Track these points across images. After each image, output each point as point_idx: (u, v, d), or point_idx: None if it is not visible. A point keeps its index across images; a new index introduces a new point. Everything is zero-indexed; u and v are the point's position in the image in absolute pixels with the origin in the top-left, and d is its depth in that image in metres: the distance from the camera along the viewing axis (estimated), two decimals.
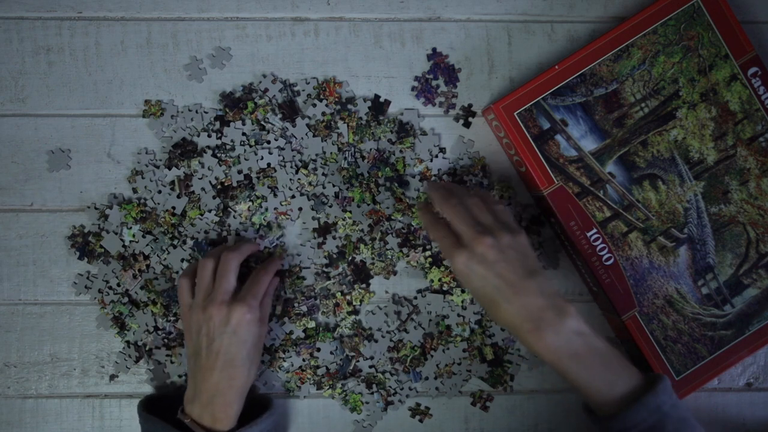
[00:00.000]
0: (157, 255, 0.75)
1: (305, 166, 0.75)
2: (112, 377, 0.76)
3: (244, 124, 0.75)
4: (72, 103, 0.76)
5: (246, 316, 0.67)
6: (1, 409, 0.76)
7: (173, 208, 0.75)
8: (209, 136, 0.75)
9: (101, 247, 0.75)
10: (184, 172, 0.75)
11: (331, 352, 0.75)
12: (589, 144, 0.73)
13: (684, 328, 0.73)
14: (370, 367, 0.76)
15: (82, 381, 0.76)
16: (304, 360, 0.76)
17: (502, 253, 0.63)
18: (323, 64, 0.77)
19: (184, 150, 0.75)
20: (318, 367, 0.76)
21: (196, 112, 0.76)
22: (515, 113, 0.72)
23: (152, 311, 0.75)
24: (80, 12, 0.76)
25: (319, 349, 0.76)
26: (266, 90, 0.76)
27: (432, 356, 0.76)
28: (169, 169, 0.75)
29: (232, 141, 0.75)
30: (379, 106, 0.76)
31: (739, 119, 0.73)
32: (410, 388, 0.76)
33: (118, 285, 0.75)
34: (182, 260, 0.75)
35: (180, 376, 0.76)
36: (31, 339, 0.76)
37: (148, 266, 0.75)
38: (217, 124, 0.75)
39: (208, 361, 0.67)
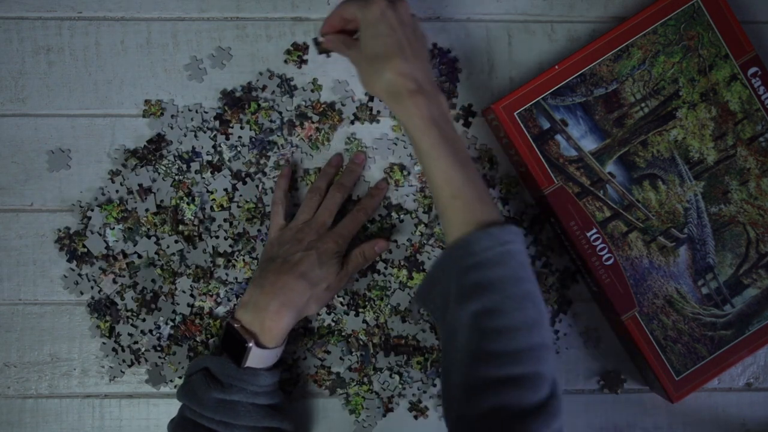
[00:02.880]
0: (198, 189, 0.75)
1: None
2: (112, 377, 0.76)
3: (242, 128, 0.75)
4: (72, 103, 0.76)
5: (330, 244, 0.70)
6: (1, 409, 0.76)
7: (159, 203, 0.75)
8: (211, 138, 0.75)
9: (84, 247, 0.75)
10: (149, 179, 0.75)
11: (341, 357, 0.76)
12: (589, 144, 0.73)
13: (684, 328, 0.73)
14: (389, 367, 0.76)
15: (82, 381, 0.76)
16: (321, 359, 0.76)
17: (409, 20, 0.66)
18: (323, 64, 0.77)
19: (158, 146, 0.75)
20: (329, 369, 0.76)
21: (196, 111, 0.76)
22: (515, 113, 0.72)
23: (134, 313, 0.75)
24: (80, 12, 0.76)
25: (329, 352, 0.76)
26: (265, 87, 0.76)
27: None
28: (142, 167, 0.75)
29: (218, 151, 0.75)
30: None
31: (739, 119, 0.73)
32: (432, 385, 0.76)
33: (100, 291, 0.75)
34: (225, 190, 0.75)
35: (180, 377, 0.76)
36: (31, 339, 0.76)
37: (129, 266, 0.75)
38: (217, 123, 0.75)
39: (281, 267, 0.68)
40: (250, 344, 0.66)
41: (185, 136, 0.76)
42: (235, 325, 0.67)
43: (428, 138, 0.62)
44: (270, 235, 0.73)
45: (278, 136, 0.76)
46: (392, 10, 0.65)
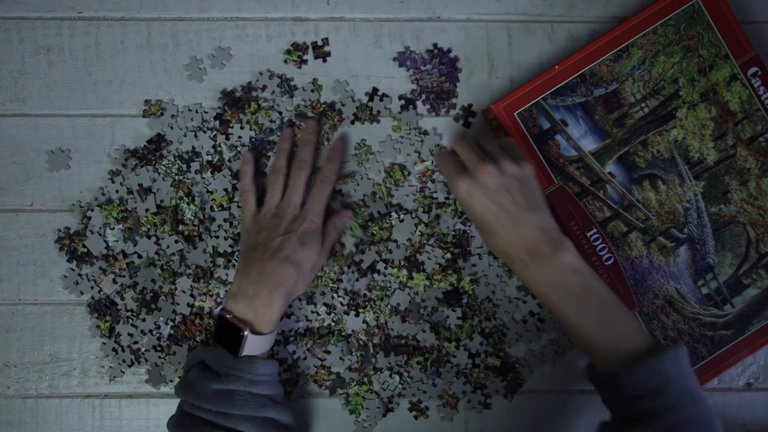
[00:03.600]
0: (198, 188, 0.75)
1: None
2: (112, 377, 0.76)
3: (242, 128, 0.75)
4: (72, 103, 0.76)
5: (309, 224, 0.70)
6: (1, 409, 0.76)
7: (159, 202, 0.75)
8: (211, 137, 0.75)
9: (84, 247, 0.75)
10: (149, 179, 0.75)
11: (341, 357, 0.76)
12: (589, 144, 0.73)
13: (684, 328, 0.73)
14: (389, 367, 0.76)
15: (82, 381, 0.76)
16: (321, 359, 0.76)
17: (505, 183, 0.65)
18: (323, 64, 0.77)
19: (158, 146, 0.75)
20: (330, 368, 0.76)
21: (196, 111, 0.76)
22: (515, 113, 0.72)
23: (134, 313, 0.75)
24: (80, 12, 0.76)
25: (329, 352, 0.76)
26: (264, 87, 0.76)
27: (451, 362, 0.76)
28: (142, 167, 0.75)
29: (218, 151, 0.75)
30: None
31: (739, 119, 0.73)
32: (432, 385, 0.76)
33: (100, 291, 0.75)
34: (225, 190, 0.75)
35: (180, 378, 0.76)
36: (31, 339, 0.76)
37: (129, 266, 0.75)
38: (217, 123, 0.75)
39: (264, 254, 0.68)
40: (246, 332, 0.66)
41: (185, 136, 0.76)
42: (228, 316, 0.67)
43: (548, 301, 0.64)
44: (245, 224, 0.73)
45: (277, 136, 0.76)
46: (479, 188, 0.65)
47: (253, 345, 0.67)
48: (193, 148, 0.75)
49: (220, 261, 0.75)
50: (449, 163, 0.69)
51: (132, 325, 0.75)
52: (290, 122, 0.76)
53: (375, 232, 0.76)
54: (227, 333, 0.67)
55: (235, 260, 0.75)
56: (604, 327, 0.63)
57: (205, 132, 0.76)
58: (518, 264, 0.65)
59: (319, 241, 0.71)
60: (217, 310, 0.75)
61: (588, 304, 0.63)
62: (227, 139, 0.76)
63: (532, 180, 0.66)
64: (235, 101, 0.76)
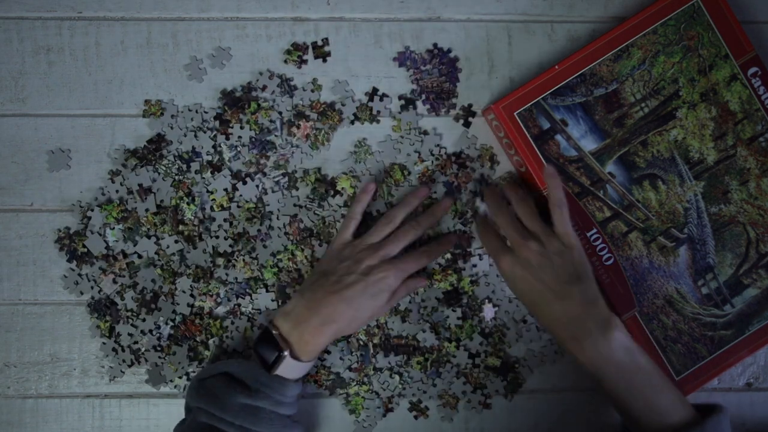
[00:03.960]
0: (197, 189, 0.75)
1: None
2: (112, 377, 0.76)
3: (242, 128, 0.75)
4: (72, 103, 0.76)
5: (389, 279, 0.68)
6: (1, 409, 0.76)
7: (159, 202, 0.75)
8: (211, 137, 0.75)
9: (84, 247, 0.75)
10: (149, 180, 0.75)
11: (341, 357, 0.76)
12: (589, 144, 0.73)
13: (684, 328, 0.73)
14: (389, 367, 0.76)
15: (82, 381, 0.76)
16: (321, 359, 0.76)
17: (547, 259, 0.65)
18: (323, 64, 0.77)
19: (158, 146, 0.75)
20: (330, 368, 0.76)
21: (196, 111, 0.76)
22: (515, 113, 0.72)
23: (134, 313, 0.75)
24: (80, 12, 0.76)
25: (329, 352, 0.76)
26: (264, 87, 0.76)
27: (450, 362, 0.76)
28: (142, 167, 0.75)
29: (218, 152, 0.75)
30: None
31: (739, 119, 0.73)
32: (432, 385, 0.76)
33: (100, 291, 0.75)
34: (225, 190, 0.75)
35: (180, 377, 0.76)
36: (31, 339, 0.76)
37: (129, 266, 0.75)
38: (217, 123, 0.75)
39: (333, 286, 0.68)
40: (286, 353, 0.66)
41: (185, 136, 0.76)
42: (274, 332, 0.67)
43: (597, 376, 0.64)
44: (332, 246, 0.72)
45: (276, 136, 0.76)
46: (522, 266, 0.65)
47: (288, 368, 0.67)
48: (193, 148, 0.75)
49: (220, 261, 0.75)
50: (492, 240, 0.70)
51: (132, 325, 0.75)
52: (426, 182, 0.76)
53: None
54: (267, 346, 0.67)
55: (235, 260, 0.75)
56: (650, 402, 0.63)
57: (205, 132, 0.76)
58: (568, 341, 0.65)
59: (388, 297, 0.70)
60: (217, 309, 0.75)
61: (636, 380, 0.63)
62: (227, 139, 0.76)
63: (575, 253, 0.66)
64: (235, 101, 0.76)
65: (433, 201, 0.76)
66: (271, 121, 0.76)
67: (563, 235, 0.67)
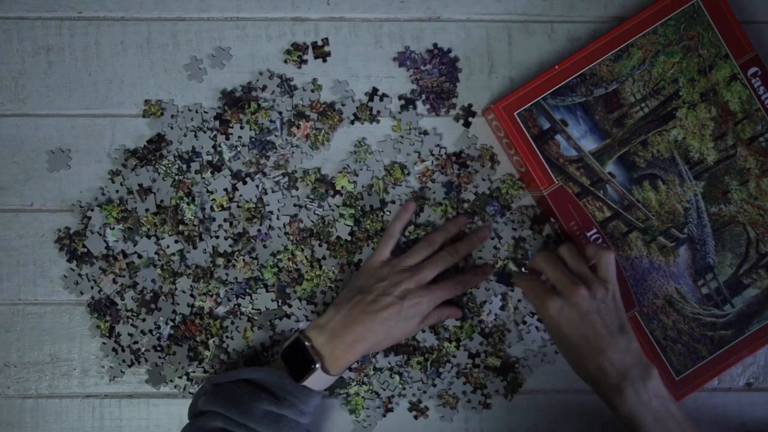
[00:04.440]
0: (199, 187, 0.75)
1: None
2: (112, 377, 0.76)
3: (242, 128, 0.75)
4: (72, 103, 0.76)
5: (422, 305, 0.70)
6: (1, 409, 0.76)
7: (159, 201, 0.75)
8: (212, 137, 0.75)
9: (84, 247, 0.75)
10: (149, 179, 0.75)
11: None
12: (589, 144, 0.73)
13: (684, 328, 0.73)
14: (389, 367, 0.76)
15: (82, 381, 0.76)
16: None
17: (596, 305, 0.66)
18: (323, 63, 0.77)
19: (158, 146, 0.75)
20: None
21: (196, 111, 0.76)
22: (515, 113, 0.72)
23: (134, 313, 0.75)
24: (80, 12, 0.76)
25: None
26: (264, 87, 0.76)
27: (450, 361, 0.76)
28: (143, 167, 0.75)
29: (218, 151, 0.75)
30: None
31: (739, 119, 0.73)
32: (432, 385, 0.76)
33: (100, 291, 0.75)
34: (225, 190, 0.75)
35: (180, 377, 0.76)
36: (31, 339, 0.76)
37: (129, 266, 0.75)
38: (217, 123, 0.75)
39: (369, 305, 0.68)
40: (318, 365, 0.66)
41: (185, 136, 0.76)
42: (307, 343, 0.68)
43: (635, 424, 0.64)
44: (369, 262, 0.73)
45: (276, 136, 0.76)
46: (572, 310, 0.66)
47: (316, 381, 0.67)
48: (193, 148, 0.75)
49: (220, 261, 0.75)
50: (536, 285, 0.69)
51: (132, 325, 0.75)
52: (467, 212, 0.76)
53: (368, 226, 0.76)
54: (298, 357, 0.68)
55: (235, 260, 0.75)
56: None
57: (205, 132, 0.76)
58: (607, 388, 0.65)
59: (420, 321, 0.71)
60: (217, 309, 0.75)
61: (671, 428, 0.64)
62: (227, 139, 0.76)
63: (619, 301, 0.67)
64: (235, 101, 0.76)
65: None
66: (271, 121, 0.76)
67: (607, 278, 0.67)
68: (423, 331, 0.76)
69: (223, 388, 0.67)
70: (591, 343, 0.65)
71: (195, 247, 0.75)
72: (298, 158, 0.76)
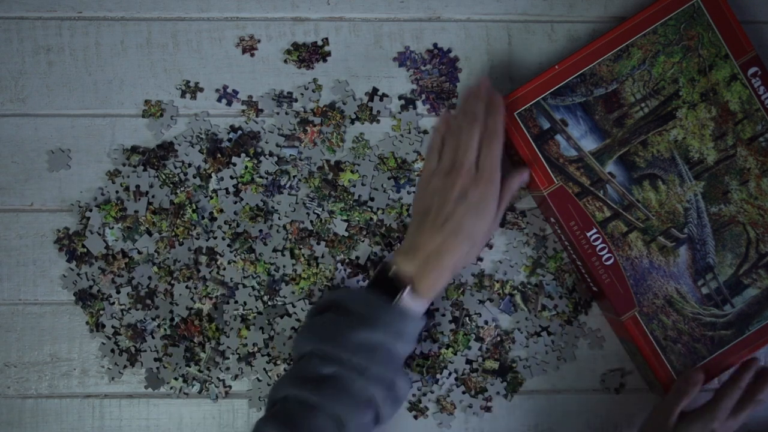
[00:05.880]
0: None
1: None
2: (112, 377, 0.76)
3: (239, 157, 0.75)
4: (72, 103, 0.76)
5: (484, 191, 0.66)
6: (1, 409, 0.76)
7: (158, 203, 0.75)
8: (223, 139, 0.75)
9: (84, 247, 0.75)
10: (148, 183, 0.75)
11: None
12: (589, 144, 0.73)
13: (684, 328, 0.73)
14: None
15: (82, 381, 0.76)
16: None
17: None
18: (323, 64, 0.77)
19: (165, 154, 0.75)
20: None
21: (204, 120, 0.76)
22: (515, 113, 0.72)
23: (128, 309, 0.75)
24: (80, 12, 0.77)
25: None
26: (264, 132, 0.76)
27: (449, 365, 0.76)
28: (145, 170, 0.75)
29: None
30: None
31: (739, 119, 0.73)
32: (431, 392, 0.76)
33: (99, 291, 0.75)
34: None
35: (176, 379, 0.75)
36: (31, 339, 0.76)
37: (127, 264, 0.75)
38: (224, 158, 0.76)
39: (435, 221, 0.65)
40: (408, 287, 0.65)
41: (192, 147, 0.75)
42: (393, 266, 0.66)
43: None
44: (421, 182, 0.70)
45: (292, 167, 0.76)
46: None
47: (410, 304, 0.66)
48: (200, 167, 0.76)
49: (221, 261, 0.75)
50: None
51: (130, 325, 0.75)
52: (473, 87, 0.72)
53: (357, 217, 0.75)
54: (385, 282, 0.66)
55: (234, 260, 0.75)
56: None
57: (208, 143, 0.76)
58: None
59: (495, 206, 0.67)
60: (217, 310, 0.75)
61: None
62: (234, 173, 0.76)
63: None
64: (241, 143, 0.76)
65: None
66: (281, 151, 0.76)
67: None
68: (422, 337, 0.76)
69: (310, 323, 0.66)
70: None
71: (192, 246, 0.75)
72: (319, 163, 0.76)
